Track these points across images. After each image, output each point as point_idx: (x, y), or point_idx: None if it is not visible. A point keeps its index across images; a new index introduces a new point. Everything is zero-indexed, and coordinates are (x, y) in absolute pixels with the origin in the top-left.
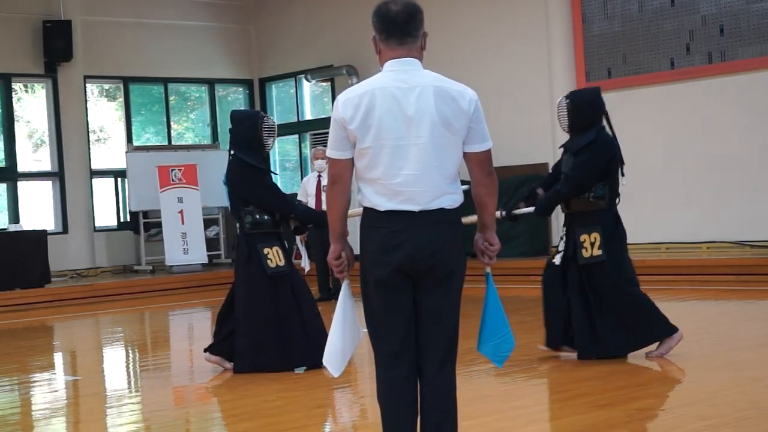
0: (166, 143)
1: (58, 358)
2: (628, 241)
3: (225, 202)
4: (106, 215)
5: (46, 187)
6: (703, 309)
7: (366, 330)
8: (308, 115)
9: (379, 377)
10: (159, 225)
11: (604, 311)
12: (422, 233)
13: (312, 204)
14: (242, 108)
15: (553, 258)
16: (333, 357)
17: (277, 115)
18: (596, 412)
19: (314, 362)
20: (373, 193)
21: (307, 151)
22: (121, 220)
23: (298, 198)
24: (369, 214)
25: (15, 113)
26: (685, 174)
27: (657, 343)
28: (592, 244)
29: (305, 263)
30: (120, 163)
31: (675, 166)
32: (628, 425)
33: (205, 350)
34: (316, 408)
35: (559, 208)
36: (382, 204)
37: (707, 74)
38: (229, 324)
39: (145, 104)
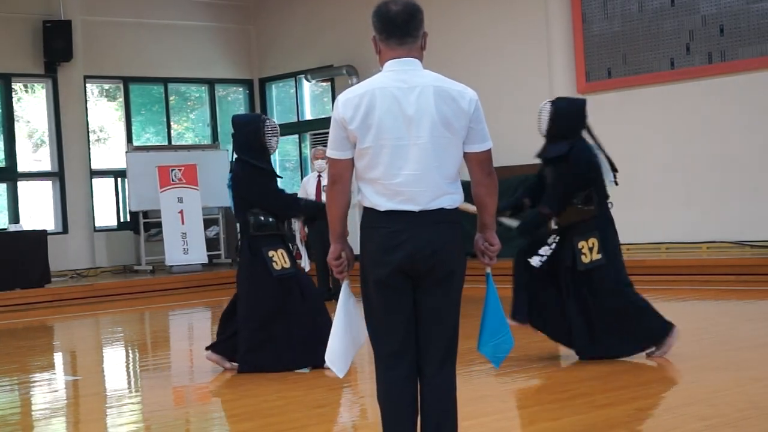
0: (166, 143)
1: (58, 358)
2: (629, 241)
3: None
4: (106, 215)
5: (46, 187)
6: (703, 309)
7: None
8: (308, 115)
9: (379, 377)
10: (159, 225)
11: (604, 313)
12: (422, 233)
13: (293, 218)
14: (242, 109)
15: (531, 258)
16: (336, 357)
17: (277, 115)
18: (596, 412)
19: (319, 362)
20: (373, 193)
21: (307, 151)
22: (121, 220)
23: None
24: (369, 214)
25: (15, 113)
26: (685, 174)
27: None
28: (591, 249)
29: (305, 263)
30: (120, 163)
31: (675, 166)
32: (628, 425)
33: (207, 348)
34: (316, 408)
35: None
36: (382, 204)
37: (707, 74)
38: (233, 324)
39: (145, 104)
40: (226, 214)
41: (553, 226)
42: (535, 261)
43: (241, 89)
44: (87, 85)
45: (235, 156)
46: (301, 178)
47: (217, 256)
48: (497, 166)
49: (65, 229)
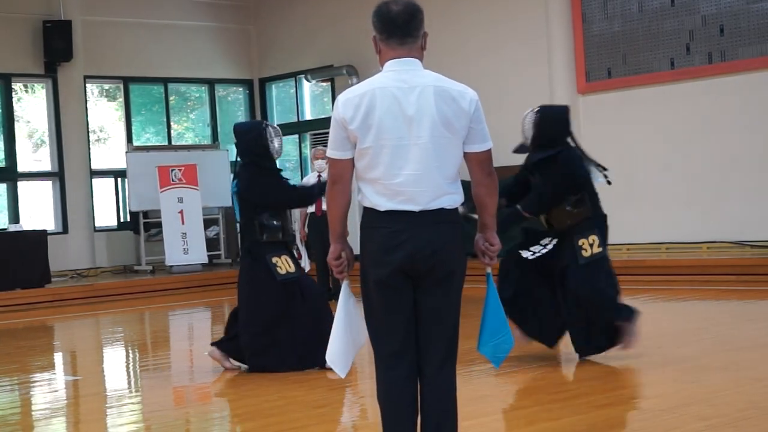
0: (166, 143)
1: (58, 358)
2: (629, 241)
3: (225, 202)
4: (106, 215)
5: (46, 187)
6: (703, 309)
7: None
8: (308, 115)
9: (379, 377)
10: (159, 225)
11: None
12: (422, 233)
13: (312, 204)
14: (242, 109)
15: (522, 251)
16: (337, 357)
17: (277, 115)
18: (596, 412)
19: (323, 363)
20: (373, 193)
21: (307, 151)
22: (121, 220)
23: None
24: (369, 214)
25: (15, 113)
26: (685, 174)
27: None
28: (591, 245)
29: (305, 263)
30: (120, 163)
31: (675, 166)
32: (628, 425)
33: (213, 344)
34: (316, 408)
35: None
36: (383, 204)
37: (707, 74)
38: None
39: (145, 104)
40: (226, 214)
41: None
42: (527, 254)
43: (241, 89)
44: (87, 85)
45: (239, 162)
46: (301, 178)
47: (217, 256)
48: (497, 166)
49: (65, 229)
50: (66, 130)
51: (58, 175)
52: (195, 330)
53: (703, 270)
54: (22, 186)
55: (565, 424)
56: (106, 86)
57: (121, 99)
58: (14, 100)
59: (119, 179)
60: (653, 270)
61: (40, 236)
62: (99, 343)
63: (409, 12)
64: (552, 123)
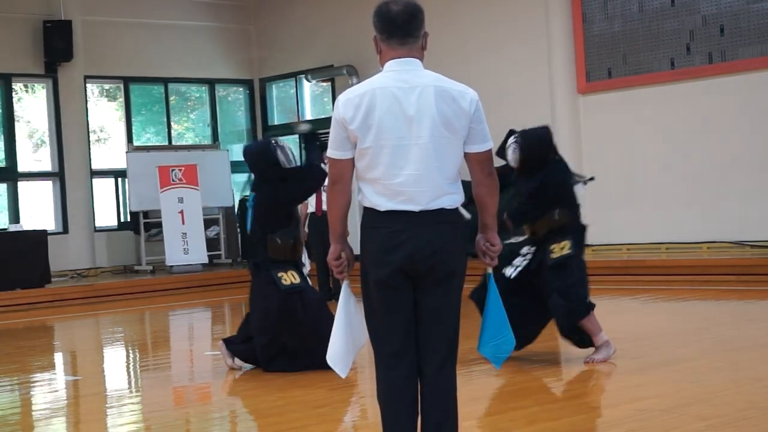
0: (166, 143)
1: (58, 358)
2: (629, 241)
3: (225, 202)
4: (106, 215)
5: (47, 187)
6: (703, 309)
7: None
8: (308, 116)
9: (380, 377)
10: (159, 225)
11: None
12: (422, 233)
13: (312, 203)
14: (242, 109)
15: (505, 269)
16: (338, 358)
17: (277, 115)
18: (596, 412)
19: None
20: (373, 194)
21: None
22: (122, 220)
23: None
24: (369, 214)
25: (15, 113)
26: (685, 174)
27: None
28: (561, 248)
29: (305, 263)
30: (120, 163)
31: (675, 166)
32: (628, 425)
33: (223, 340)
34: (317, 408)
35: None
36: (383, 204)
37: (707, 74)
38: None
39: (146, 104)
40: (226, 214)
41: (525, 236)
42: (509, 271)
43: (241, 89)
44: (87, 85)
45: (252, 179)
46: None
47: (218, 256)
48: (498, 166)
49: (65, 229)
50: (66, 130)
51: (58, 175)
52: (195, 330)
53: (703, 270)
54: (23, 186)
55: (565, 424)
56: (107, 86)
57: (122, 99)
58: (14, 100)
59: (119, 179)
60: (653, 270)
61: (41, 236)
62: (99, 343)
63: (410, 12)
64: (537, 145)
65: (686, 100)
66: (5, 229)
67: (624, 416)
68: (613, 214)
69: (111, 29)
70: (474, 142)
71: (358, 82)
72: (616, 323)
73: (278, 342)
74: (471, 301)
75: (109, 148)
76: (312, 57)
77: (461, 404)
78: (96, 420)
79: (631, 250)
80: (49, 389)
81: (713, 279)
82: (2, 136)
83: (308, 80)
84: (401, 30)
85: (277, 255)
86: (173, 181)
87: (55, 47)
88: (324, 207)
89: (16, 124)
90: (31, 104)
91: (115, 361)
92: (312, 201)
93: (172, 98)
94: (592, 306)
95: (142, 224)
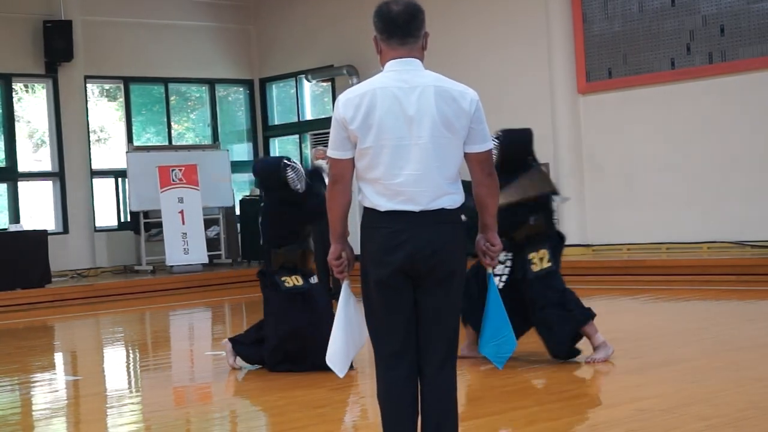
0: (166, 143)
1: (58, 358)
2: (629, 241)
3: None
4: (106, 215)
5: (47, 187)
6: (703, 309)
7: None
8: (308, 115)
9: (380, 377)
10: (159, 225)
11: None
12: (422, 233)
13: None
14: (242, 109)
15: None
16: (337, 357)
17: (277, 115)
18: (596, 412)
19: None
20: (373, 194)
21: (308, 151)
22: (122, 220)
23: None
24: (369, 214)
25: (15, 113)
26: (685, 174)
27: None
28: (541, 260)
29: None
30: (120, 163)
31: (675, 166)
32: (628, 425)
33: (229, 339)
34: (317, 408)
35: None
36: (383, 204)
37: (708, 74)
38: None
39: (146, 104)
40: (227, 214)
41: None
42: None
43: (241, 89)
44: (87, 85)
45: (263, 194)
46: None
47: (218, 256)
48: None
49: (66, 229)
50: (66, 130)
51: (58, 175)
52: (195, 330)
53: (703, 270)
54: (23, 186)
55: (565, 424)
56: (107, 86)
57: (122, 99)
58: (14, 100)
59: (119, 179)
60: (653, 270)
61: (41, 236)
62: (99, 343)
63: (410, 12)
64: (515, 146)
65: (686, 100)
66: (5, 229)
67: (624, 416)
68: (613, 214)
69: (111, 29)
70: (474, 143)
71: (358, 82)
72: (616, 323)
73: (283, 348)
74: None
75: (109, 148)
76: (312, 57)
77: (461, 404)
78: (96, 420)
79: (631, 250)
80: (50, 389)
81: (713, 279)
82: (2, 136)
83: (308, 80)
84: (401, 30)
85: (283, 265)
86: (173, 181)
87: (56, 47)
88: None
89: (17, 124)
90: (32, 104)
91: (116, 361)
92: None
93: (172, 98)
94: (592, 314)
95: (143, 224)
